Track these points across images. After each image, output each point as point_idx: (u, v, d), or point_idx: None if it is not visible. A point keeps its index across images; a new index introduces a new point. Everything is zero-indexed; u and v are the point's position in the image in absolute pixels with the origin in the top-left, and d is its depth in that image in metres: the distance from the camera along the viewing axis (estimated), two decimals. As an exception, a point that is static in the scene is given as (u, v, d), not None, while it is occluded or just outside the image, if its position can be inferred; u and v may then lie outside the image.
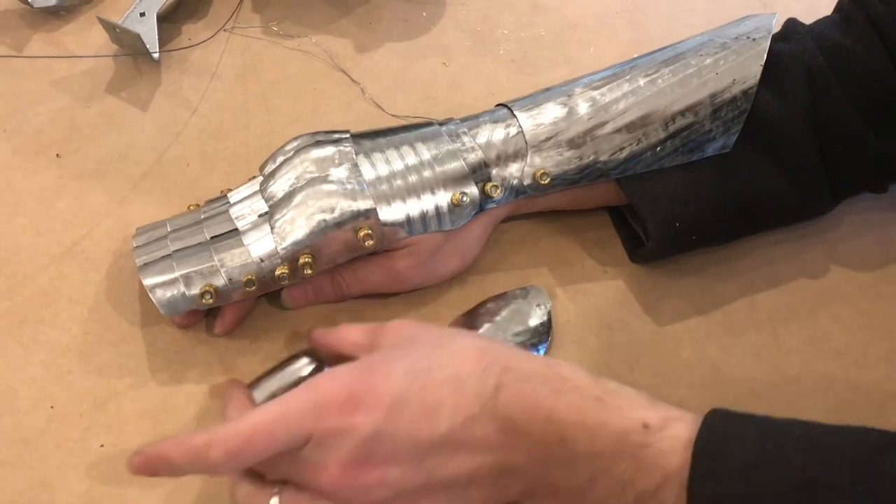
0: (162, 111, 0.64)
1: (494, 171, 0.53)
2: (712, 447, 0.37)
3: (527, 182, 0.53)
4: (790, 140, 0.53)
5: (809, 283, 0.58)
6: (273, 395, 0.49)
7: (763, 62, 0.53)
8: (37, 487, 0.48)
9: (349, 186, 0.50)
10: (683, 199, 0.53)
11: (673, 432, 0.38)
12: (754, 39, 0.54)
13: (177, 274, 0.49)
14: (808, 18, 0.58)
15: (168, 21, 0.70)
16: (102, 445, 0.49)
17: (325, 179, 0.50)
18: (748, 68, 0.53)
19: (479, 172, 0.52)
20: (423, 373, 0.41)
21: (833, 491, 0.34)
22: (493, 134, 0.54)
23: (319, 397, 0.40)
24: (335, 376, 0.41)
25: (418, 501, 0.40)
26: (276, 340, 0.54)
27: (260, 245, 0.50)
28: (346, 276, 0.53)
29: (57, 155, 0.61)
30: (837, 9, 0.59)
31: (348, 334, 0.48)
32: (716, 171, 0.54)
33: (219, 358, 0.53)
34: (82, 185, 0.60)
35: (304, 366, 0.50)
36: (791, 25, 0.57)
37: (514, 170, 0.53)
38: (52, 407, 0.50)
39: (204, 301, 0.49)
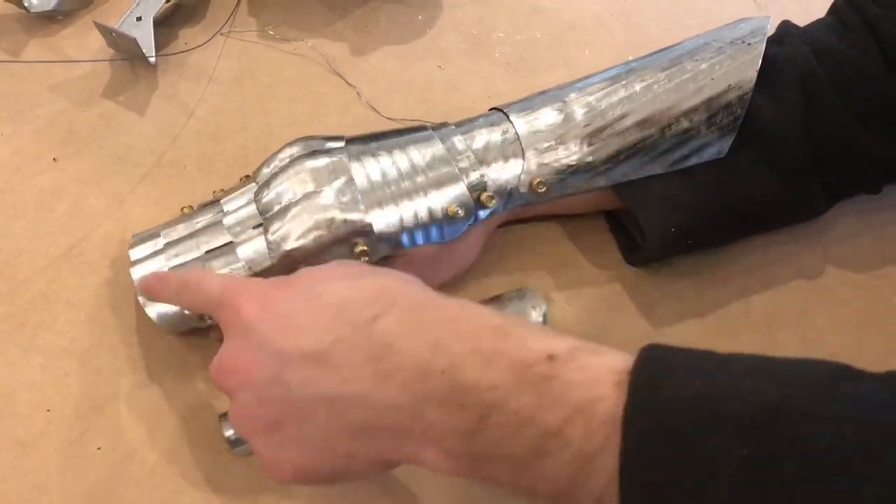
0: (159, 114, 0.64)
1: (489, 178, 0.53)
2: (651, 377, 0.32)
3: (523, 190, 0.53)
4: (784, 143, 0.54)
5: (805, 285, 0.58)
6: None
7: (758, 67, 0.53)
8: (34, 490, 0.48)
9: (344, 200, 0.50)
10: (679, 203, 0.54)
11: (585, 362, 0.33)
12: (749, 44, 0.54)
13: None
14: (803, 20, 0.58)
15: (165, 25, 0.70)
16: (100, 448, 0.49)
17: (320, 194, 0.50)
18: (744, 73, 0.53)
19: (473, 179, 0.52)
20: (316, 294, 0.40)
21: (805, 416, 0.29)
22: (489, 139, 0.53)
23: (232, 281, 0.43)
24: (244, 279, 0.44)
25: (283, 422, 0.39)
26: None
27: (256, 261, 0.50)
28: None
29: (55, 158, 0.61)
30: (832, 11, 0.59)
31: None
32: (711, 174, 0.54)
33: (216, 361, 0.53)
34: (80, 189, 0.60)
35: None
36: (785, 28, 0.58)
37: (509, 176, 0.53)
38: (49, 410, 0.50)
39: (201, 320, 0.49)
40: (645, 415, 0.31)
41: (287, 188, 0.50)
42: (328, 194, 0.50)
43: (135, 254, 0.52)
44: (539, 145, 0.53)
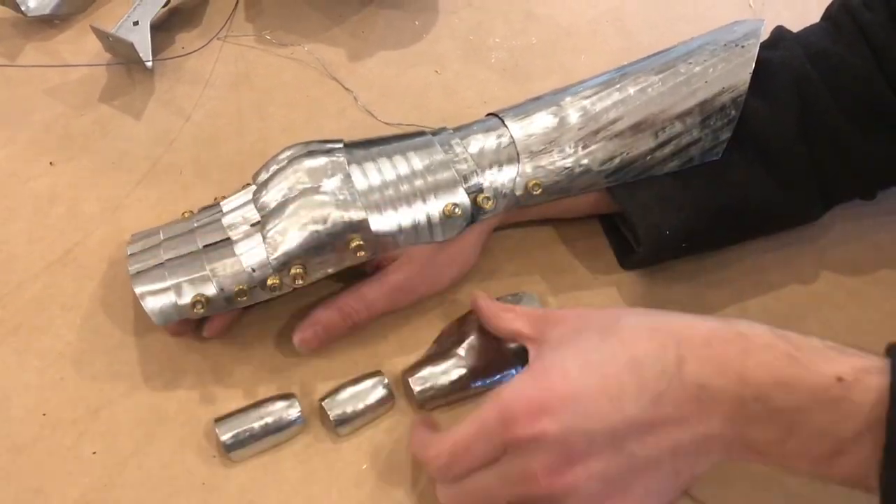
0: (156, 119, 0.65)
1: (486, 182, 0.53)
2: None
3: (518, 193, 0.53)
4: (780, 147, 0.54)
5: (800, 289, 0.58)
6: (347, 412, 0.50)
7: (752, 70, 0.54)
8: (30, 494, 0.48)
9: (341, 197, 0.50)
10: (674, 206, 0.54)
11: (868, 384, 0.37)
12: (743, 46, 0.54)
13: (168, 283, 0.49)
14: (798, 26, 0.58)
15: (162, 30, 0.70)
16: (95, 452, 0.49)
17: (317, 190, 0.50)
18: (737, 76, 0.54)
19: (470, 182, 0.53)
20: (599, 364, 0.42)
21: None
22: (485, 143, 0.54)
23: (505, 408, 0.42)
24: (515, 387, 0.43)
25: (631, 485, 0.41)
26: (267, 347, 0.54)
27: (252, 255, 0.50)
28: (352, 304, 0.52)
29: (51, 163, 0.61)
30: (826, 16, 0.59)
31: (512, 322, 0.49)
32: (706, 177, 0.54)
33: (211, 366, 0.53)
34: (76, 193, 0.60)
35: (376, 386, 0.51)
36: (779, 33, 0.58)
37: (505, 179, 0.53)
38: (44, 414, 0.50)
39: (195, 311, 0.49)
40: None
41: (284, 185, 0.51)
42: (325, 191, 0.50)
43: (132, 248, 0.52)
44: (534, 148, 0.53)
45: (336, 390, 0.51)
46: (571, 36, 0.73)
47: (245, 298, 0.50)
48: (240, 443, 0.48)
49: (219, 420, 0.49)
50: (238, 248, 0.50)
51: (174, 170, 0.62)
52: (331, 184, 0.50)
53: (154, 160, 0.62)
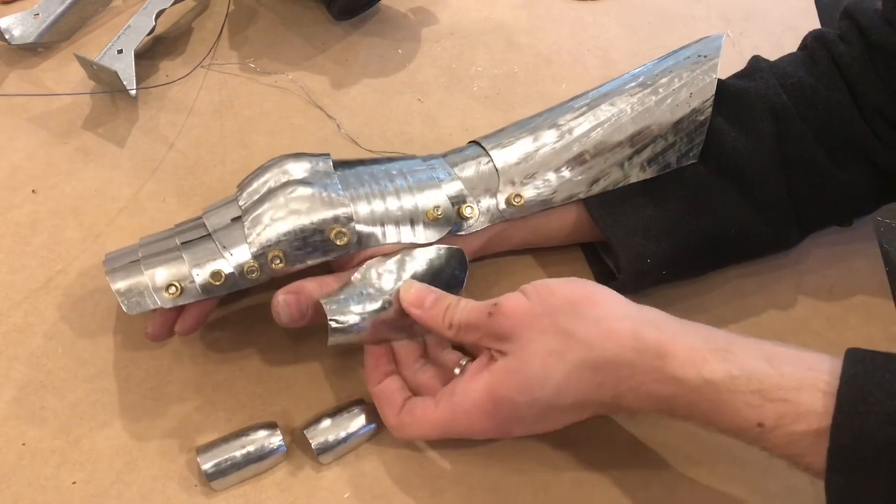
0: (139, 147, 0.65)
1: (468, 194, 0.54)
2: (854, 394, 0.39)
3: (501, 207, 0.54)
4: (758, 175, 0.55)
5: (778, 315, 0.59)
6: (329, 440, 0.50)
7: (717, 74, 0.56)
8: (8, 526, 0.47)
9: (325, 189, 0.50)
10: (656, 236, 0.54)
11: (791, 429, 0.40)
12: (705, 56, 0.57)
13: (142, 270, 0.49)
14: (774, 56, 0.60)
15: (146, 58, 0.70)
16: (75, 482, 0.49)
17: (300, 182, 0.50)
18: (702, 81, 0.56)
19: (452, 191, 0.54)
20: (546, 408, 0.45)
21: None
22: (467, 169, 0.55)
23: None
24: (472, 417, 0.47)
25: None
26: (249, 376, 0.54)
27: (229, 239, 0.50)
28: (331, 283, 0.52)
29: (33, 191, 0.61)
30: (802, 46, 0.60)
31: (460, 312, 0.48)
32: (688, 207, 0.55)
33: (193, 394, 0.53)
34: (58, 221, 0.60)
35: (358, 414, 0.51)
36: (755, 63, 0.59)
37: (487, 194, 0.55)
38: (23, 444, 0.50)
39: (168, 294, 0.48)
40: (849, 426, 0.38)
41: (267, 179, 0.51)
42: (309, 182, 0.50)
43: (109, 255, 0.52)
44: (515, 170, 0.55)
45: (318, 419, 0.51)
46: (552, 64, 0.74)
47: (221, 284, 0.49)
48: (221, 472, 0.48)
49: (200, 449, 0.49)
50: (216, 237, 0.50)
51: (157, 197, 0.62)
52: (315, 178, 0.51)
53: (137, 188, 0.62)
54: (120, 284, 0.49)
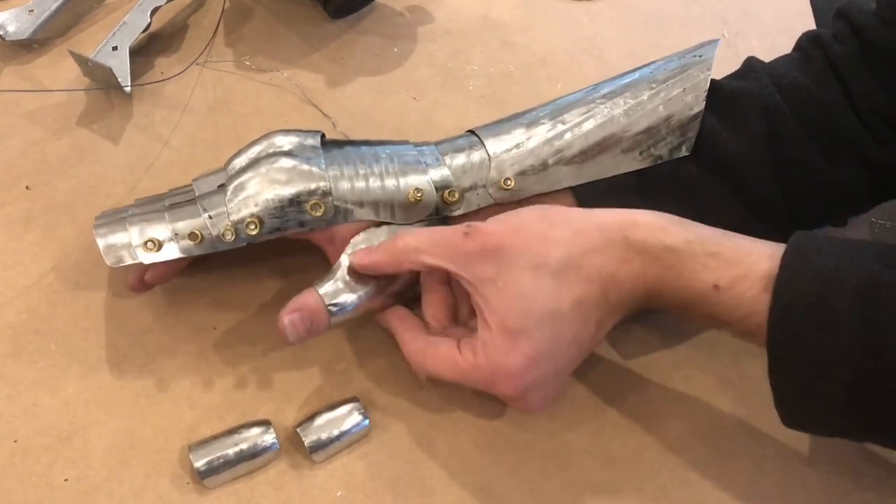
0: (133, 144, 0.65)
1: (455, 180, 0.55)
2: (794, 263, 0.43)
3: (491, 190, 0.55)
4: (752, 175, 0.55)
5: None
6: (322, 438, 0.50)
7: (710, 70, 0.56)
8: (-1, 523, 0.47)
9: (307, 162, 0.52)
10: None
11: (740, 289, 0.44)
12: (700, 56, 0.57)
13: (126, 227, 0.51)
14: (769, 57, 0.60)
15: (141, 55, 0.70)
16: (67, 480, 0.49)
17: (284, 153, 0.52)
18: (696, 77, 0.56)
19: (436, 176, 0.54)
20: (552, 320, 0.46)
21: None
22: (458, 157, 0.55)
23: (491, 378, 0.47)
24: (493, 356, 0.46)
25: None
26: (242, 374, 0.54)
27: (211, 203, 0.52)
28: None
29: (27, 187, 0.61)
30: (797, 47, 0.60)
31: (426, 258, 0.48)
32: (681, 208, 0.55)
33: (185, 392, 0.53)
34: (51, 218, 0.60)
35: (351, 412, 0.51)
36: (749, 63, 0.59)
37: (480, 184, 0.55)
38: (15, 441, 0.50)
39: (145, 250, 0.50)
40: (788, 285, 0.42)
41: (255, 149, 0.53)
42: (293, 154, 0.52)
43: (100, 214, 0.54)
44: (506, 157, 0.55)
45: (311, 416, 0.51)
46: (547, 64, 0.74)
47: (197, 244, 0.51)
48: (214, 469, 0.48)
49: (193, 446, 0.49)
50: (200, 200, 0.52)
51: (151, 195, 0.61)
52: (300, 151, 0.52)
53: (131, 185, 0.62)
54: (103, 239, 0.51)
